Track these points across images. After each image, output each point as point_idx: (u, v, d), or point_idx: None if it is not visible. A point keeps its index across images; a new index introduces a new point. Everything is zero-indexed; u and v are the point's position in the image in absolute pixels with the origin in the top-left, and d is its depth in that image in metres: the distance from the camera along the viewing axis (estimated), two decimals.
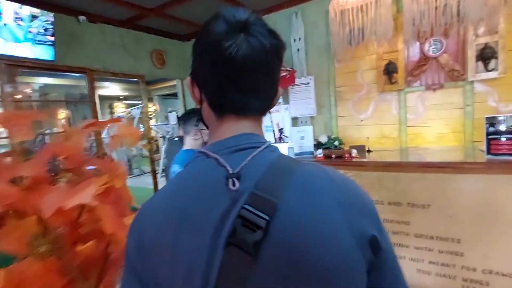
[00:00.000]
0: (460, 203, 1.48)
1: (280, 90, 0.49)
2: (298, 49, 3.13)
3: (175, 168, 1.48)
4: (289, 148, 2.55)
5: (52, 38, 2.58)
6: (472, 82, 2.43)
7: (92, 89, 3.17)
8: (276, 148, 0.46)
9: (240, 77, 0.42)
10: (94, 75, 3.15)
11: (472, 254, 1.46)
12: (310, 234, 0.36)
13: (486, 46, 2.33)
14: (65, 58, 2.81)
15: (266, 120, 3.31)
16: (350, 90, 3.00)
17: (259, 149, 0.43)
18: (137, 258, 0.42)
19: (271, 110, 0.51)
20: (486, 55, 2.32)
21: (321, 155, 2.44)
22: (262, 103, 0.46)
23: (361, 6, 2.34)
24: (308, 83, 3.12)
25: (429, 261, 1.55)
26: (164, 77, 4.15)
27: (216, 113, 0.46)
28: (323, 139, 2.55)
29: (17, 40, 2.35)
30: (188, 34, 4.14)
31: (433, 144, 2.67)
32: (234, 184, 0.38)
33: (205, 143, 1.35)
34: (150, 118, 7.78)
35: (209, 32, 0.42)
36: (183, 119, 1.58)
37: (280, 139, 3.09)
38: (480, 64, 2.36)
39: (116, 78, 3.76)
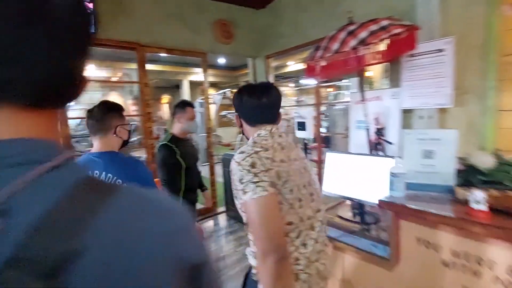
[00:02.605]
0: None
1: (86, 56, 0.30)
2: None
3: None
4: (393, 176, 1.17)
5: (90, 6, 2.16)
6: None
7: (142, 68, 2.72)
8: (78, 165, 0.30)
9: None
10: (145, 51, 2.69)
11: None
12: None
13: None
14: (109, 31, 2.40)
15: (357, 112, 2.12)
16: None
17: (41, 168, 0.26)
18: None
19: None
20: None
21: (481, 208, 0.95)
22: (24, 77, 0.25)
23: None
24: (441, 51, 1.75)
25: None
26: (229, 54, 3.43)
27: None
28: (481, 159, 1.05)
29: None
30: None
31: None
32: None
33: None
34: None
35: None
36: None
37: (377, 147, 1.82)
38: None
39: (172, 55, 3.28)
